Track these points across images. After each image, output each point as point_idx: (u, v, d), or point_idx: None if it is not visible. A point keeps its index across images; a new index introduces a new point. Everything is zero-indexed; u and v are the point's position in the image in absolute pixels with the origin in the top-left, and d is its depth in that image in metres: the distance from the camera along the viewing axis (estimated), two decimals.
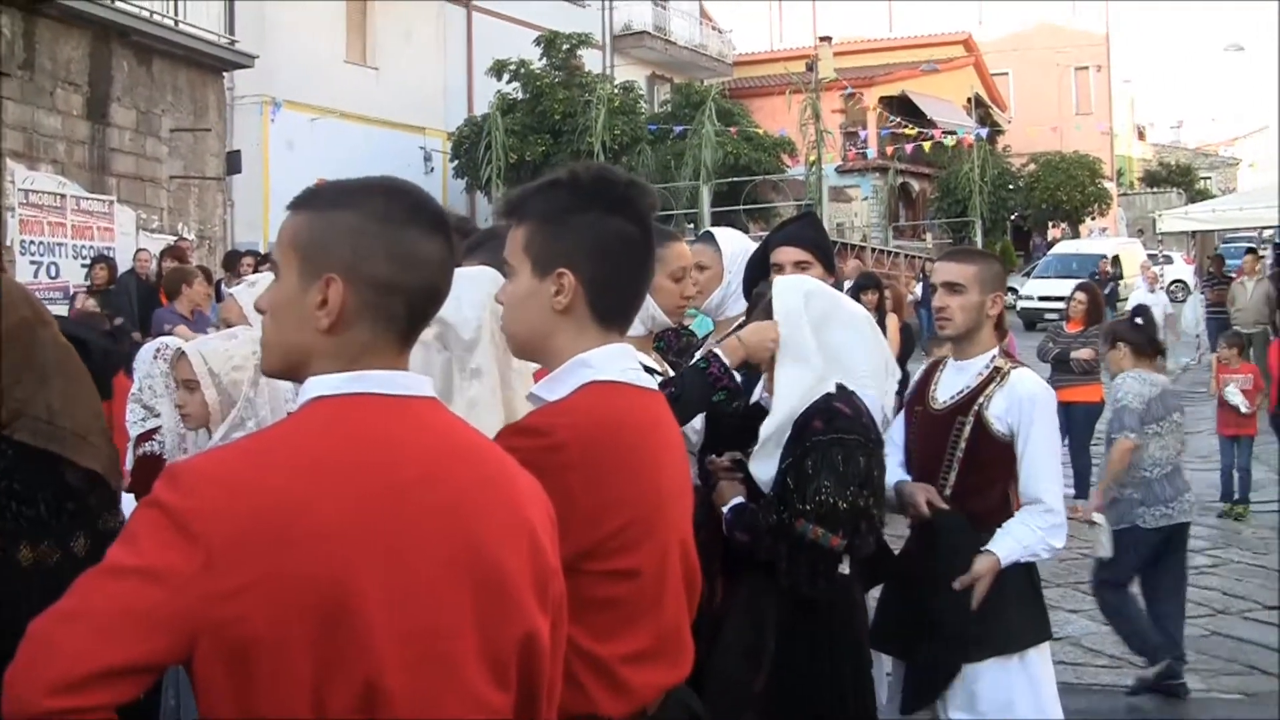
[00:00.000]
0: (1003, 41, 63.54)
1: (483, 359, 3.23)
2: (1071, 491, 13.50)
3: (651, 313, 4.34)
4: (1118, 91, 74.18)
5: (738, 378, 4.24)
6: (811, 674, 4.27)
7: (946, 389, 5.00)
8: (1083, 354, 13.32)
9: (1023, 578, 4.76)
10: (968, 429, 4.80)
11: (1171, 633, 8.59)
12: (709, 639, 4.24)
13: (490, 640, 2.07)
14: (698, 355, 4.77)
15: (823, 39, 48.42)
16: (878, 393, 4.63)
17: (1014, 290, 38.69)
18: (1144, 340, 9.14)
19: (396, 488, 2.02)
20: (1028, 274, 40.35)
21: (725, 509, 4.33)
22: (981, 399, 4.84)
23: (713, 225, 22.53)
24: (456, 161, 34.52)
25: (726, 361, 4.20)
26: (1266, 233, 41.51)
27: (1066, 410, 13.33)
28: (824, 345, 4.41)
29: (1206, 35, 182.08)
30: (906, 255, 38.65)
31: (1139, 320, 9.48)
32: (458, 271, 2.33)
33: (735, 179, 35.04)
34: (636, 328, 4.18)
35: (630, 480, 2.70)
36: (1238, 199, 31.17)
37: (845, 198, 44.58)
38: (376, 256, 2.14)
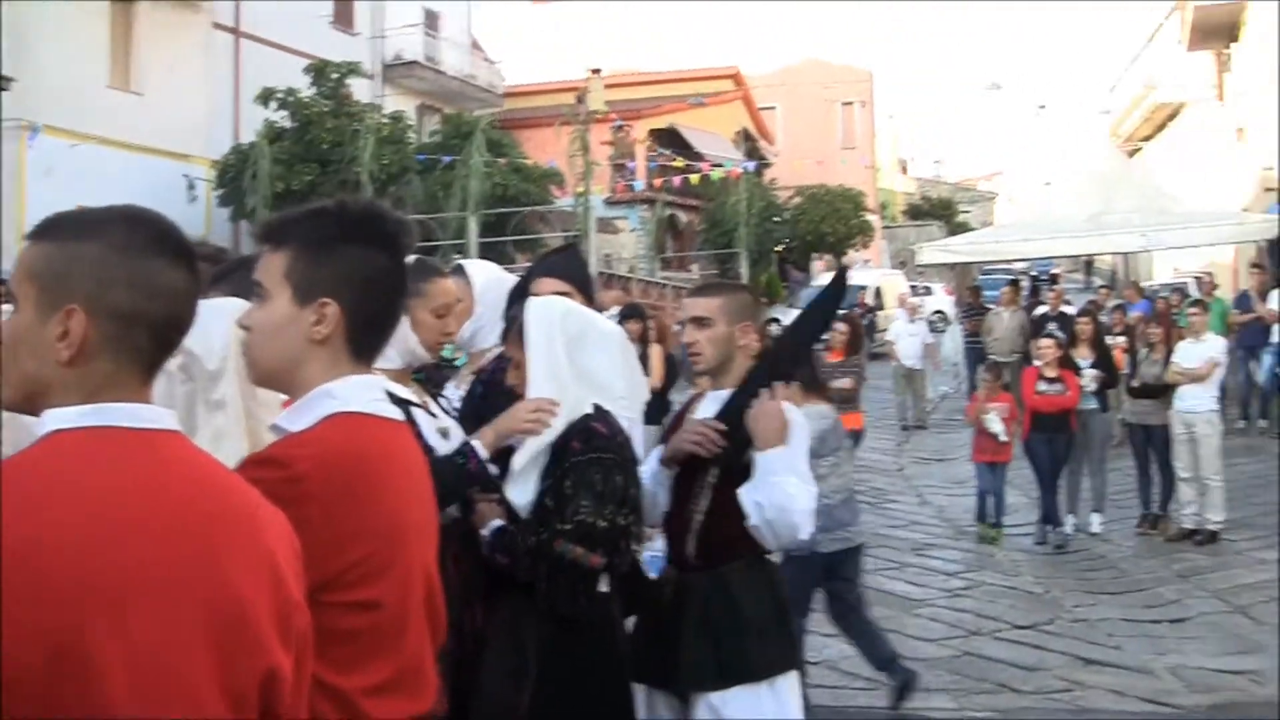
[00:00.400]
0: (771, 76, 64.57)
1: (227, 390, 3.20)
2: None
3: (411, 346, 4.33)
4: (881, 127, 76.02)
5: (492, 470, 4.28)
6: (574, 693, 4.30)
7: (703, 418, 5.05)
8: (843, 383, 13.59)
9: (767, 606, 4.79)
10: (720, 454, 4.82)
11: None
12: (473, 662, 4.28)
13: (231, 675, 2.04)
14: (453, 393, 4.83)
15: (593, 71, 48.61)
16: (632, 413, 4.70)
17: (778, 321, 39.30)
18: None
19: (135, 523, 1.98)
20: (792, 305, 40.99)
21: (485, 532, 4.34)
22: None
23: (480, 257, 22.53)
24: (221, 190, 33.81)
25: (482, 454, 4.24)
26: (1018, 265, 42.94)
27: None
28: (579, 365, 4.47)
29: (966, 73, 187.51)
30: (673, 286, 39.01)
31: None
32: (203, 302, 2.30)
33: (503, 210, 34.94)
34: (394, 360, 4.22)
35: (371, 512, 2.68)
36: (994, 232, 32.10)
37: (613, 229, 44.77)
38: (118, 287, 2.10)
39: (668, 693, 4.85)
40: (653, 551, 5.52)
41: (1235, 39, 32.97)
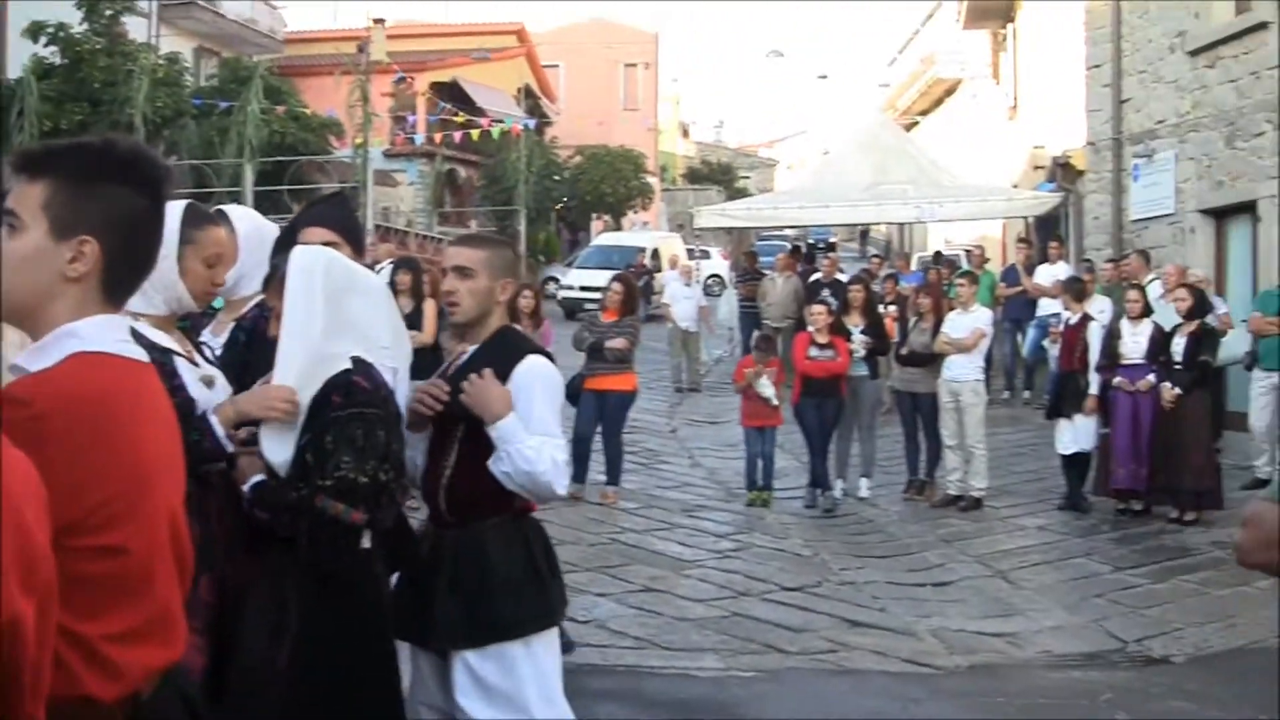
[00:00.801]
0: (555, 34, 64.35)
1: None
2: (603, 478, 13.82)
3: (179, 294, 4.20)
4: (665, 90, 76.28)
5: (228, 447, 4.15)
6: (335, 650, 4.25)
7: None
8: (616, 343, 13.56)
9: (521, 563, 4.77)
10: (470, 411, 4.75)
11: None
12: (233, 616, 4.16)
13: None
14: (210, 340, 4.70)
15: (376, 21, 47.86)
16: (397, 364, 4.63)
17: (556, 280, 39.34)
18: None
19: None
20: (570, 264, 41.05)
21: (245, 487, 4.25)
22: None
23: (256, 205, 22.04)
24: None
25: (218, 430, 4.11)
26: (795, 232, 43.48)
27: (600, 398, 13.63)
28: (342, 316, 4.39)
29: (750, 39, 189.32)
30: (451, 241, 38.68)
31: None
32: None
33: (281, 159, 34.25)
34: (160, 307, 4.12)
35: (115, 453, 2.58)
36: (772, 199, 32.44)
37: (391, 182, 44.24)
38: None
39: (428, 650, 4.83)
40: None
41: (1011, 20, 33.70)
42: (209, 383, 4.25)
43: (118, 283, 2.76)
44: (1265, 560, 3.16)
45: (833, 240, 49.98)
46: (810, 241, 44.52)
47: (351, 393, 4.26)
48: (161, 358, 3.75)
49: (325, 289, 4.36)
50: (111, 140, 2.79)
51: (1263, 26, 17.15)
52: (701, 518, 13.57)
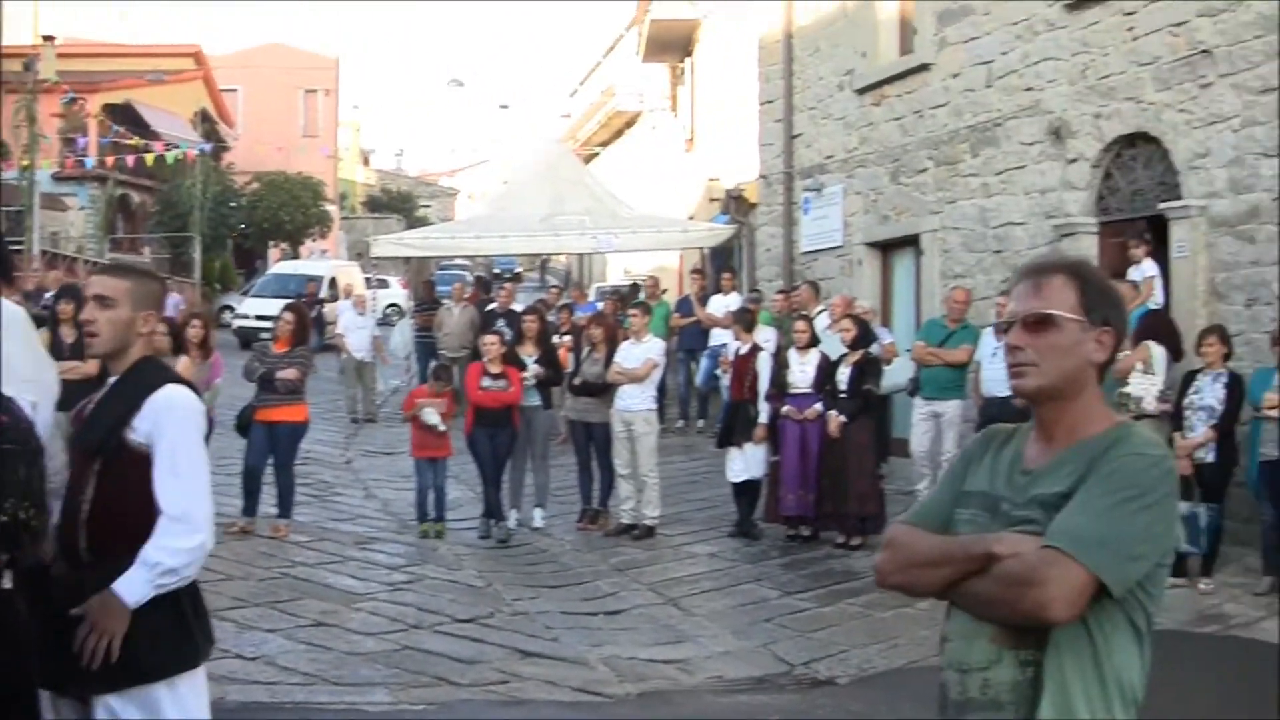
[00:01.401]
0: (234, 58, 63.11)
1: None
2: (275, 511, 13.50)
3: None
4: (345, 116, 75.55)
5: None
6: None
7: None
8: (287, 374, 13.27)
9: (162, 604, 4.54)
10: (109, 440, 4.57)
11: None
12: None
13: None
14: None
15: (45, 38, 46.22)
16: (38, 396, 4.40)
17: (231, 309, 38.49)
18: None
19: None
20: (246, 292, 40.24)
21: None
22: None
23: None
24: None
25: None
26: (473, 261, 43.38)
27: (271, 429, 13.32)
28: None
29: (431, 68, 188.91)
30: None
31: None
32: None
33: None
34: None
35: None
36: (449, 228, 32.29)
37: (61, 206, 42.74)
38: None
39: (68, 697, 4.61)
40: None
41: (689, 54, 34.32)
42: None
43: None
44: (904, 581, 3.25)
45: (518, 270, 50.13)
46: (496, 271, 44.53)
47: None
48: None
49: None
50: None
51: (925, 68, 17.82)
52: (374, 550, 13.34)
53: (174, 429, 4.57)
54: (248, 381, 13.63)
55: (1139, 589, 3.01)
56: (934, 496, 3.43)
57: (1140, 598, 3.03)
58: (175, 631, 4.59)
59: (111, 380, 4.77)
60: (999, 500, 3.18)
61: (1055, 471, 3.10)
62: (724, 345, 17.12)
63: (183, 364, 12.27)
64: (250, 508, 13.45)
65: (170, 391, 4.65)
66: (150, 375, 4.73)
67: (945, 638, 3.22)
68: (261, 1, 66.35)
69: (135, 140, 42.39)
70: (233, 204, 49.87)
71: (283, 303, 17.08)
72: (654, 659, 9.87)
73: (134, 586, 4.42)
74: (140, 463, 4.53)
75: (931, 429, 14.22)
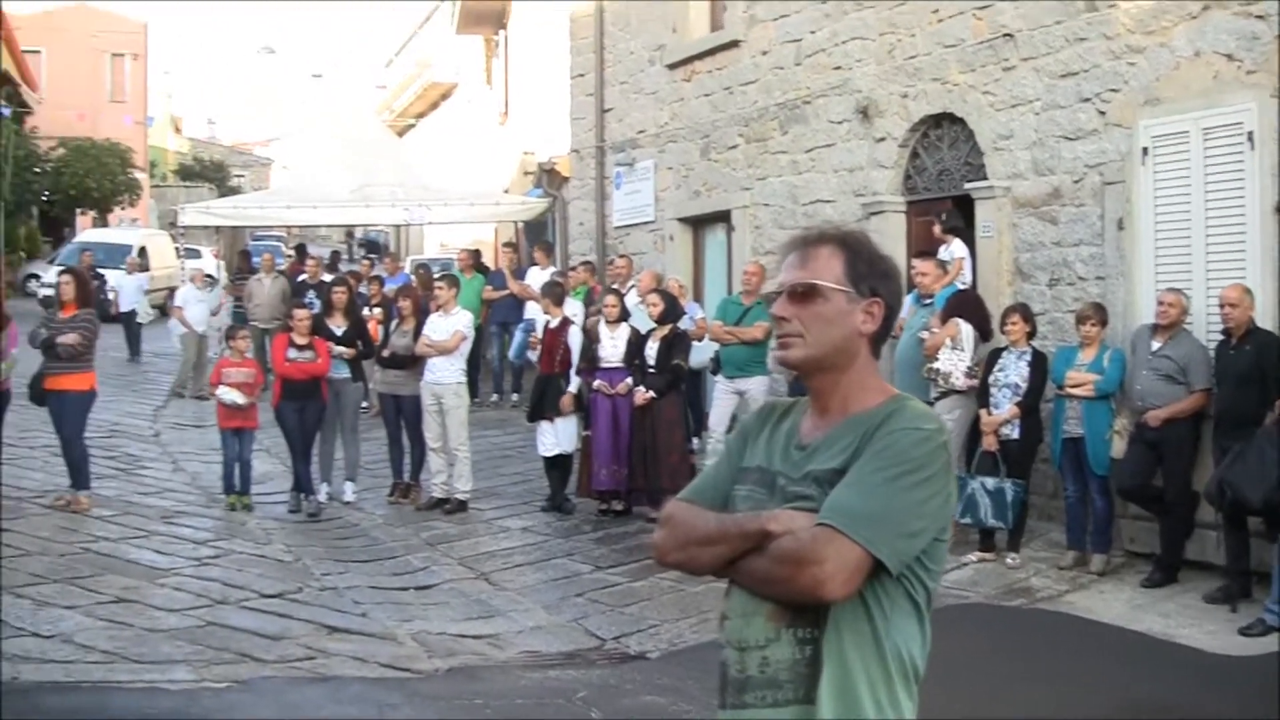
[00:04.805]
0: (37, 19, 61.30)
1: None
2: (67, 482, 13.23)
3: None
4: (155, 83, 73.85)
5: None
6: None
7: None
8: (68, 339, 12.85)
9: None
10: None
11: None
12: None
13: None
14: None
15: None
16: None
17: (37, 277, 37.52)
18: None
19: None
20: (52, 261, 39.25)
21: None
22: None
23: None
24: None
25: None
26: (295, 231, 42.81)
27: (59, 398, 13.01)
28: None
29: (243, 35, 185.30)
30: None
31: None
32: None
33: None
34: None
35: None
36: (260, 197, 31.86)
37: None
38: None
39: None
40: None
41: (503, 26, 34.14)
42: None
43: None
44: (682, 559, 3.21)
45: (384, 242, 49.54)
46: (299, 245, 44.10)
47: None
48: None
49: None
50: None
51: (735, 44, 17.96)
52: (180, 524, 13.14)
53: None
54: (33, 348, 13.27)
55: (918, 565, 2.99)
56: (712, 472, 3.41)
57: (919, 573, 3.01)
58: None
59: None
60: (775, 476, 3.16)
61: (830, 446, 3.08)
62: (530, 320, 17.17)
63: None
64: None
65: None
66: None
67: (724, 615, 3.17)
68: None
69: None
70: (37, 170, 48.53)
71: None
72: (464, 634, 9.90)
73: None
74: None
75: (734, 406, 14.31)
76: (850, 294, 3.14)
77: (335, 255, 26.96)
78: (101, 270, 29.15)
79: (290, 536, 12.92)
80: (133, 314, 26.47)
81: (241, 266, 26.16)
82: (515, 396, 20.97)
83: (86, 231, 45.53)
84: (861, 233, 3.34)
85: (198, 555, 11.92)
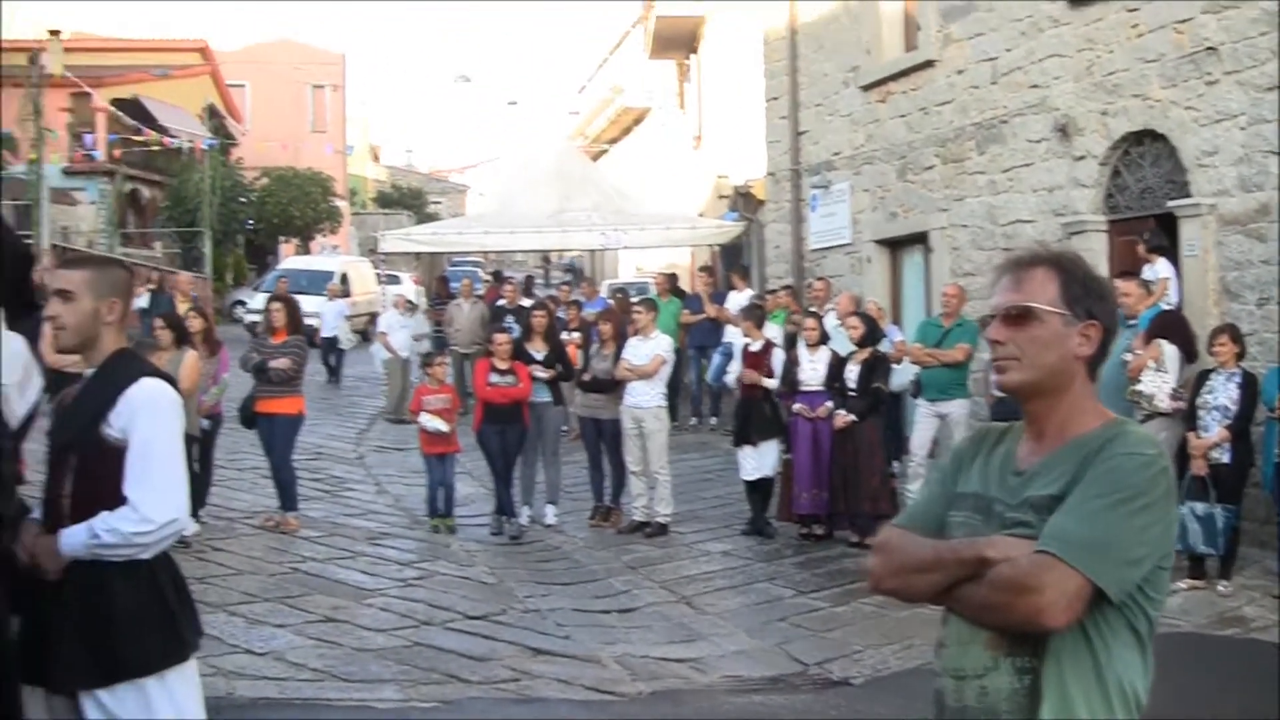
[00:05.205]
0: (241, 53, 63.10)
1: None
2: (275, 504, 13.55)
3: None
4: (354, 112, 75.49)
5: None
6: None
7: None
8: (280, 363, 13.26)
9: (146, 597, 4.56)
10: (86, 435, 4.58)
11: None
12: None
13: None
14: None
15: (52, 32, 46.20)
16: (9, 379, 4.43)
17: (243, 303, 38.53)
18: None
19: None
20: (257, 288, 40.25)
21: None
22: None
23: None
24: None
25: None
26: (494, 257, 43.27)
27: (269, 421, 13.37)
28: None
29: (439, 64, 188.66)
30: (135, 264, 37.55)
31: None
32: None
33: None
34: None
35: None
36: (458, 224, 32.37)
37: (70, 201, 42.74)
38: None
39: (61, 693, 4.59)
40: None
41: (694, 50, 34.29)
42: None
43: None
44: (897, 586, 3.19)
45: (579, 266, 50.02)
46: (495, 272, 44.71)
47: None
48: None
49: None
50: None
51: (929, 64, 17.81)
52: (385, 545, 13.37)
53: (147, 424, 4.55)
54: (244, 371, 13.67)
55: (1139, 593, 2.95)
56: (926, 498, 3.37)
57: (1141, 602, 2.97)
58: (161, 625, 4.59)
59: (87, 373, 4.76)
60: (992, 502, 3.13)
61: (1047, 472, 3.05)
62: (732, 343, 17.17)
63: (189, 358, 12.29)
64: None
65: (145, 385, 4.64)
66: (125, 369, 4.70)
67: (941, 643, 3.16)
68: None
69: (143, 135, 42.34)
70: (242, 199, 49.86)
71: (299, 299, 17.09)
72: (667, 657, 9.88)
73: (71, 540, 4.45)
74: (117, 457, 4.52)
75: (935, 430, 14.17)
76: (1066, 316, 3.11)
77: (529, 280, 27.22)
78: (303, 296, 29.89)
79: (493, 559, 13.06)
80: (334, 340, 26.97)
81: (440, 292, 26.55)
82: (714, 420, 20.99)
83: (289, 259, 46.65)
84: (1075, 254, 3.31)
85: (403, 576, 12.10)
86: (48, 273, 4.85)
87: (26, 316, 5.11)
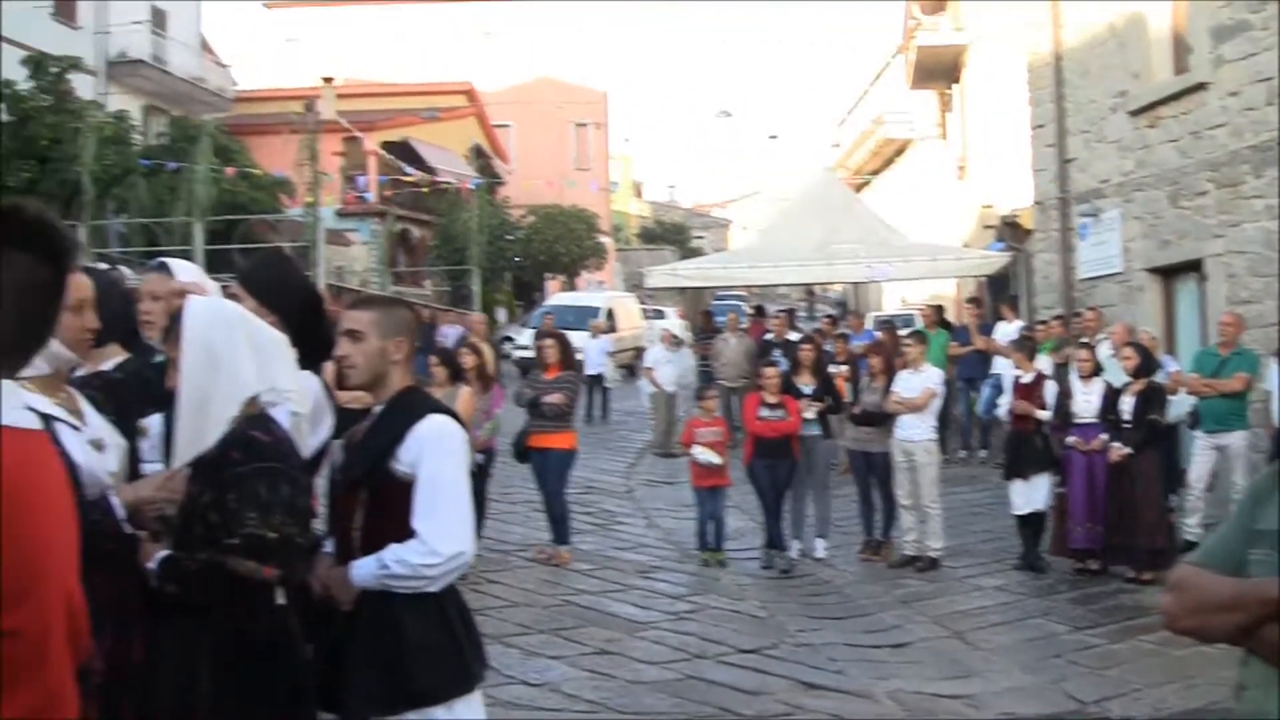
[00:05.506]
0: (505, 94, 64.53)
1: None
2: (547, 537, 13.80)
3: (55, 350, 4.06)
4: (616, 149, 76.54)
5: (126, 529, 4.15)
6: (251, 711, 4.20)
7: None
8: (554, 398, 13.53)
9: (435, 626, 4.71)
10: (375, 470, 4.75)
11: None
12: (138, 694, 4.10)
13: None
14: None
15: (325, 80, 47.94)
16: (302, 409, 4.61)
17: (511, 339, 39.30)
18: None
19: None
20: (524, 324, 41.03)
21: (151, 565, 4.22)
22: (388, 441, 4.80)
23: (206, 264, 21.96)
24: None
25: (119, 512, 4.11)
26: (755, 291, 43.45)
27: (543, 456, 13.63)
28: (233, 359, 4.37)
29: (699, 99, 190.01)
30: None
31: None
32: None
33: (230, 217, 34.13)
34: (41, 368, 3.99)
35: (9, 535, 2.47)
36: (722, 258, 32.54)
37: (344, 241, 44.21)
38: None
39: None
40: None
41: (956, 80, 34.02)
42: (98, 446, 4.19)
43: (14, 351, 2.67)
44: (1194, 626, 3.09)
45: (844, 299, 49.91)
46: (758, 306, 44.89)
47: (251, 448, 4.23)
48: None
49: (224, 339, 4.36)
50: (19, 206, 2.70)
51: (1201, 87, 17.37)
52: (656, 579, 13.50)
53: (434, 458, 4.69)
54: (518, 406, 13.99)
55: None
56: (1222, 535, 3.22)
57: None
58: (449, 655, 4.73)
59: (376, 410, 4.95)
60: None
61: None
62: (1002, 374, 16.96)
63: (463, 394, 12.60)
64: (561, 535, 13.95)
65: (433, 421, 4.79)
66: (413, 405, 4.87)
67: (1241, 685, 3.04)
68: (532, 39, 67.61)
69: (412, 176, 43.59)
70: (509, 237, 50.91)
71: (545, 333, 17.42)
72: (940, 694, 9.77)
73: (362, 571, 4.62)
74: (406, 492, 4.67)
75: (1214, 462, 13.79)
76: None
77: (791, 313, 27.28)
78: (569, 332, 30.38)
79: (764, 592, 13.11)
80: (599, 376, 27.28)
81: (705, 326, 26.74)
82: (983, 453, 20.74)
83: (555, 295, 47.47)
84: None
85: (674, 610, 12.21)
86: (344, 314, 5.06)
87: (319, 357, 5.35)
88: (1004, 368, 17.12)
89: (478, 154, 56.86)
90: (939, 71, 34.04)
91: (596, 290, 49.61)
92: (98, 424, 4.36)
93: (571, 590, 12.69)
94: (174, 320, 4.50)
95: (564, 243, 52.07)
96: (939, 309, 23.03)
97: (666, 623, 11.67)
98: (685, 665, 10.27)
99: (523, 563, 13.68)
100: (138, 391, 4.80)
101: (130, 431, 4.59)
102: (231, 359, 4.33)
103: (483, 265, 44.75)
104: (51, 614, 2.57)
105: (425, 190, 42.88)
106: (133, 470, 4.59)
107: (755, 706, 9.29)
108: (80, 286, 4.34)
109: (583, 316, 33.95)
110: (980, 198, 29.99)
